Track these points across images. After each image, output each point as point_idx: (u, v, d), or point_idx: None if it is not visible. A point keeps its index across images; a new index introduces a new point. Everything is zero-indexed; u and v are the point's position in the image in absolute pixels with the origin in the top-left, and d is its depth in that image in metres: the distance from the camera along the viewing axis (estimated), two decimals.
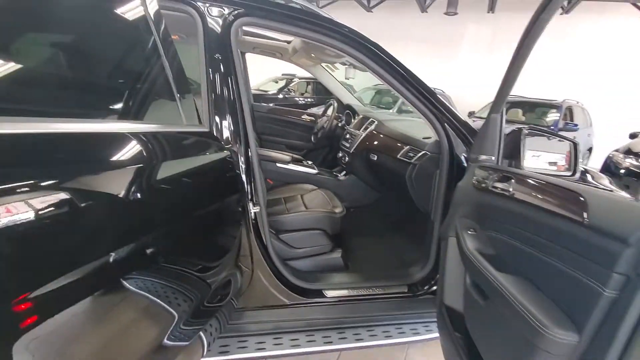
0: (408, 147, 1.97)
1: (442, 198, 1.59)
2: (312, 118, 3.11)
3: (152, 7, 1.05)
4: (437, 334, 1.64)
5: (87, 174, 0.72)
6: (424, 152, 1.82)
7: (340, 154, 2.74)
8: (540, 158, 1.48)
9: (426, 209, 1.73)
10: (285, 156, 2.34)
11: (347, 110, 2.95)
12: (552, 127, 5.88)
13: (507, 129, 1.35)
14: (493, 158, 1.29)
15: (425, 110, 1.53)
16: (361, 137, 2.46)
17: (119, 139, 0.85)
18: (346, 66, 2.49)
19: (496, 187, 1.08)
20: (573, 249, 0.69)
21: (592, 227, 0.65)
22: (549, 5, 0.92)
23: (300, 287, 1.59)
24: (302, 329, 1.59)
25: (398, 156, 2.01)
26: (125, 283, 0.79)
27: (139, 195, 0.83)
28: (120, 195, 0.78)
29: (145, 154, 0.90)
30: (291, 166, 2.39)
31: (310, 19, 1.44)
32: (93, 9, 0.93)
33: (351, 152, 2.52)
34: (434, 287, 1.69)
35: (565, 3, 8.39)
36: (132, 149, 0.87)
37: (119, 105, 0.95)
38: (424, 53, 9.68)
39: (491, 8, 9.22)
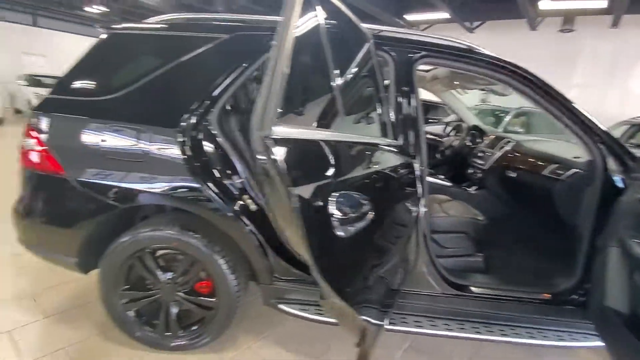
0: (556, 165, 2.13)
1: (594, 212, 1.72)
2: (436, 137, 3.38)
3: (375, 58, 1.51)
4: (582, 343, 1.73)
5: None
6: (575, 170, 1.96)
7: (471, 170, 2.95)
8: None
9: (574, 222, 1.86)
10: None
11: (472, 131, 3.16)
12: None
13: None
14: None
15: (579, 131, 1.70)
16: (497, 156, 2.65)
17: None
18: (484, 92, 2.73)
19: None
20: None
21: None
22: None
23: (450, 280, 1.85)
24: (452, 317, 1.83)
25: (544, 173, 2.16)
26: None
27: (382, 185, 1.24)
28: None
29: (380, 159, 1.33)
30: (429, 178, 2.68)
31: (473, 55, 1.76)
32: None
33: (485, 168, 2.72)
34: (581, 298, 1.78)
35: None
36: (374, 154, 1.30)
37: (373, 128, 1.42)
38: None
39: (615, 23, 8.45)
